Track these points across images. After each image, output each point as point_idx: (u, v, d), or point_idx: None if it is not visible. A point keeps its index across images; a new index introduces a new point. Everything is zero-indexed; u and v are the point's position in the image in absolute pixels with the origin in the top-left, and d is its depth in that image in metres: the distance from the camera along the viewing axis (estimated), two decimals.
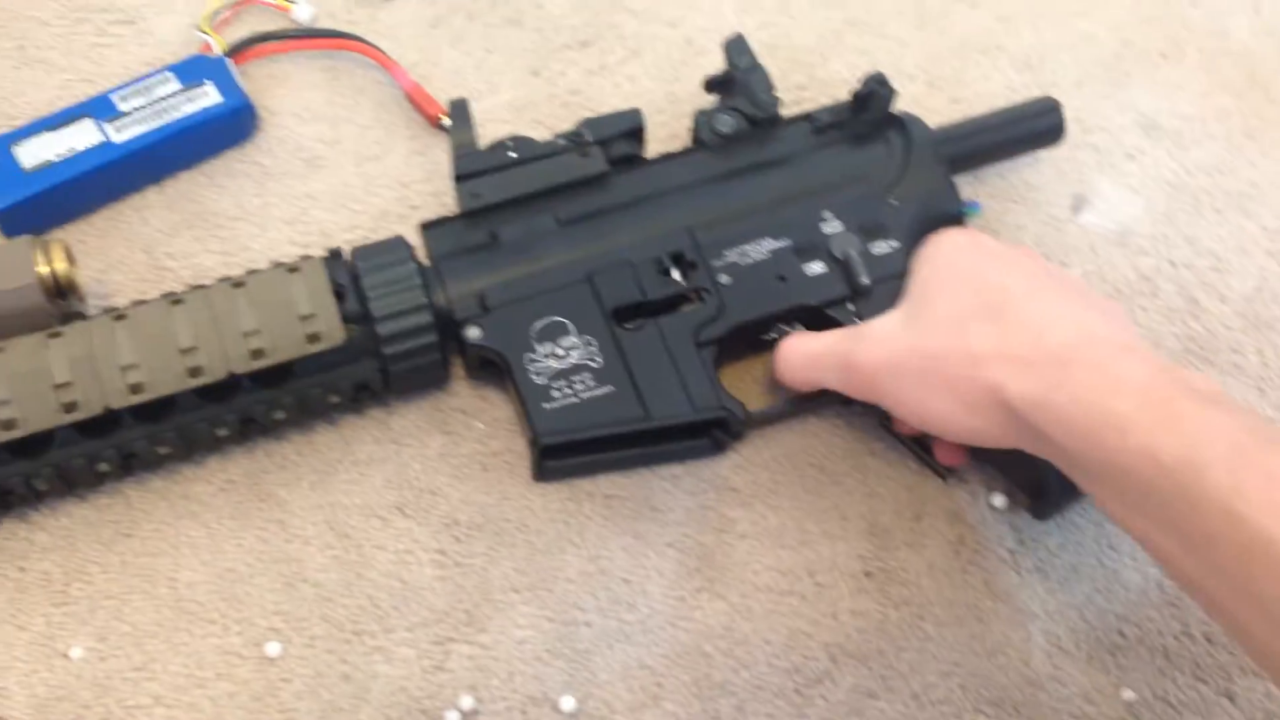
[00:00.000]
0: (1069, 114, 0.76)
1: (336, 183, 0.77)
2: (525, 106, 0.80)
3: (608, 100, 0.81)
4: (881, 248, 0.69)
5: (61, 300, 0.65)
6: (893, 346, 0.62)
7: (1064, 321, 0.58)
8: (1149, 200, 0.79)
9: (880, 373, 0.62)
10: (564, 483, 0.68)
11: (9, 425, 0.59)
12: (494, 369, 0.68)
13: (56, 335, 0.61)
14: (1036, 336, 0.57)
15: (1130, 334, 0.60)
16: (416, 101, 0.78)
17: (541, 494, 0.68)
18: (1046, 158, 0.79)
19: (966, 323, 0.59)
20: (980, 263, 0.63)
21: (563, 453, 0.67)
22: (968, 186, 0.76)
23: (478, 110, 0.76)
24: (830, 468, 0.69)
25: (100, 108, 0.73)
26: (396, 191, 0.77)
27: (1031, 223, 0.77)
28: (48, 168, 0.71)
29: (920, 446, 0.69)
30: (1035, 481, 0.65)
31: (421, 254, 0.69)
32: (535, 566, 0.66)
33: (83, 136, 0.72)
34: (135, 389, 0.60)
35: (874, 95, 0.71)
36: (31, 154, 0.71)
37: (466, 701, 0.63)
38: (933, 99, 0.81)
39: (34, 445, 0.61)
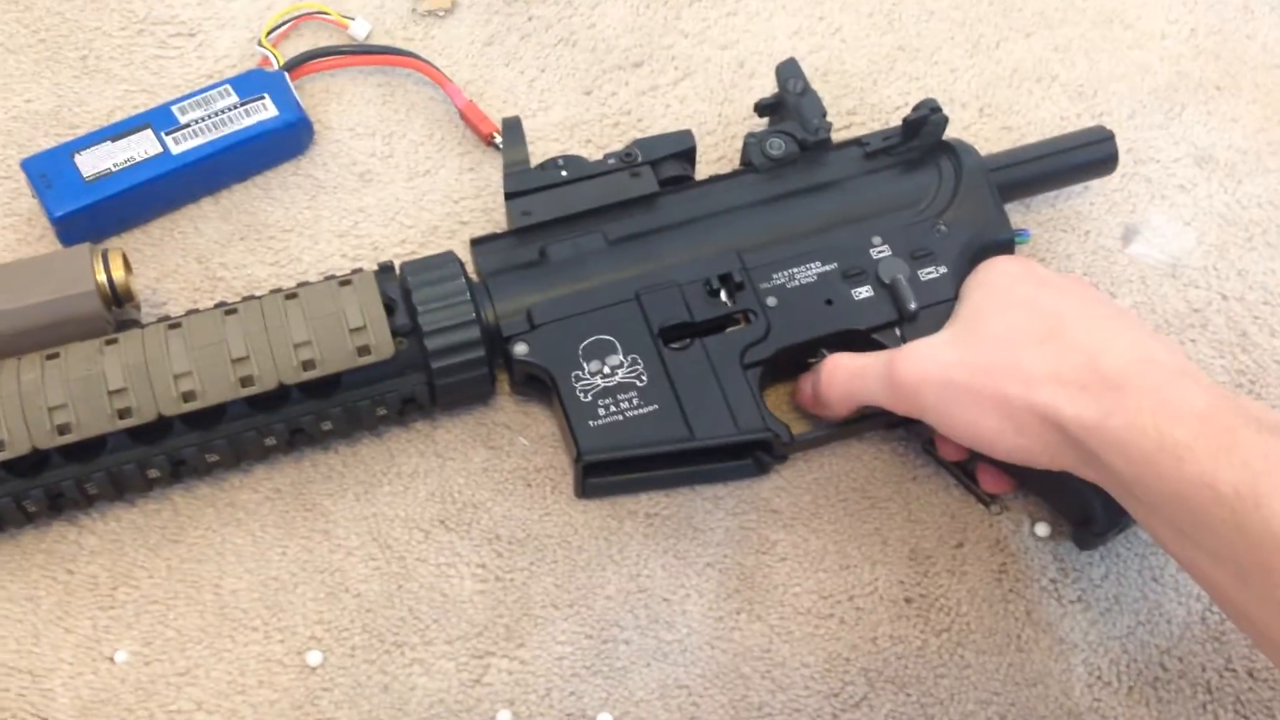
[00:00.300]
0: (1121, 144, 0.76)
1: (388, 197, 0.77)
2: (576, 125, 0.81)
3: (658, 120, 0.81)
4: (929, 273, 0.69)
5: (118, 307, 0.66)
6: (942, 361, 0.61)
7: (1120, 345, 0.57)
8: (1201, 232, 0.78)
9: (926, 386, 0.61)
10: (605, 500, 0.69)
11: (64, 429, 0.60)
12: (539, 385, 0.69)
13: (113, 342, 0.62)
14: (1092, 360, 0.57)
15: (1186, 360, 0.60)
16: (470, 119, 0.79)
17: (583, 510, 0.68)
18: (1097, 187, 0.79)
19: (1020, 344, 0.59)
20: (1034, 288, 0.62)
21: (606, 470, 0.67)
22: (1017, 214, 0.76)
23: (529, 128, 0.78)
24: (872, 492, 0.69)
25: (160, 119, 0.74)
26: (446, 207, 0.77)
27: (1081, 252, 0.77)
28: (107, 177, 0.72)
29: (965, 473, 0.69)
30: (1080, 510, 0.65)
31: (471, 270, 0.69)
32: (575, 583, 0.66)
33: (142, 147, 0.73)
34: (187, 397, 0.61)
35: (926, 121, 0.71)
36: (91, 163, 0.72)
37: (504, 716, 0.63)
38: (984, 126, 0.81)
39: (87, 449, 0.62)
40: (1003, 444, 0.59)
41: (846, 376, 0.65)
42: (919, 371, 0.61)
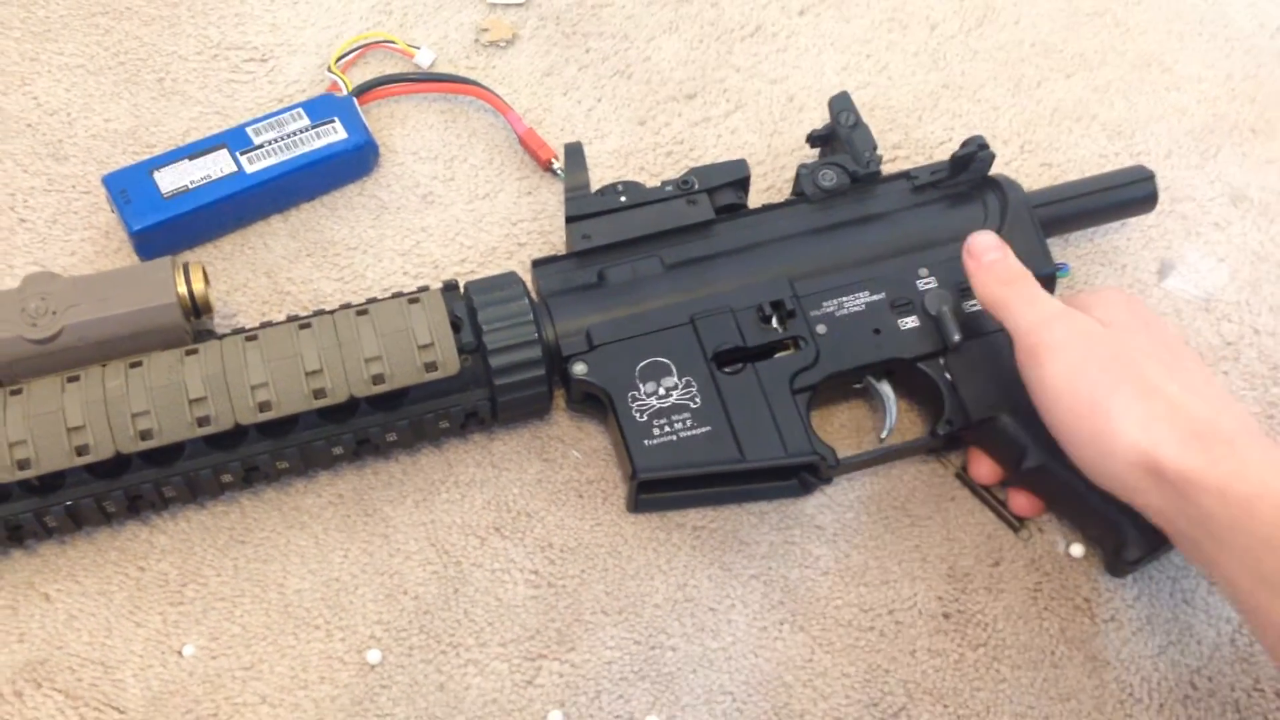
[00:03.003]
0: (1159, 183, 0.78)
1: (449, 218, 0.81)
2: (631, 154, 0.84)
3: (710, 150, 0.84)
4: (973, 305, 0.71)
5: (196, 319, 0.68)
6: (1090, 339, 0.62)
7: (1233, 416, 0.60)
8: (1234, 269, 0.80)
9: (1066, 345, 0.62)
10: (654, 513, 0.71)
11: (146, 435, 0.63)
12: (594, 402, 0.71)
13: (193, 352, 0.65)
14: (1210, 419, 0.59)
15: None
16: (529, 146, 0.82)
17: (633, 522, 0.71)
18: (1134, 224, 0.81)
19: (1147, 363, 0.61)
20: (1158, 326, 0.65)
21: (658, 487, 0.70)
22: (1057, 248, 0.79)
23: (585, 155, 0.80)
24: (913, 511, 0.72)
25: (236, 139, 0.77)
26: (505, 229, 0.80)
27: (1118, 285, 0.79)
28: (184, 193, 0.75)
29: (994, 497, 0.71)
30: (1113, 538, 0.67)
31: (531, 290, 0.72)
32: (625, 591, 0.69)
33: (218, 165, 0.76)
34: (263, 407, 0.64)
35: (973, 157, 0.73)
36: (170, 180, 0.76)
37: (555, 716, 0.65)
38: (1025, 163, 0.84)
39: (166, 454, 0.65)
40: (1077, 435, 0.61)
41: (1002, 282, 0.66)
42: (1072, 332, 0.62)
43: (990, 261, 0.67)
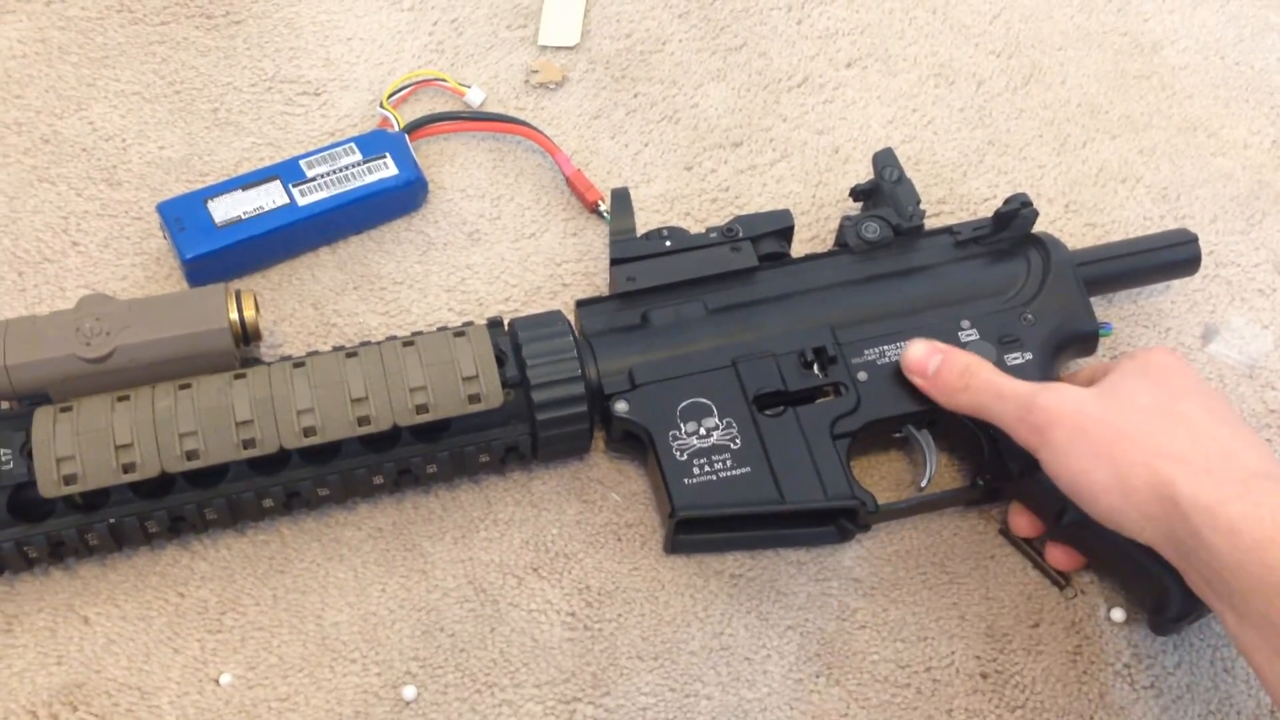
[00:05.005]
0: (1203, 247, 0.78)
1: (494, 256, 0.81)
2: (676, 199, 0.84)
3: (755, 199, 0.85)
4: (1015, 359, 0.72)
5: (245, 345, 0.69)
6: (1083, 408, 0.63)
7: (1252, 452, 0.60)
8: (1279, 336, 0.80)
9: (1058, 424, 0.63)
10: (692, 558, 0.71)
11: (192, 455, 0.63)
12: (634, 443, 0.71)
13: (241, 376, 0.66)
14: (1224, 455, 0.59)
15: None
16: (576, 187, 0.82)
17: (671, 567, 0.71)
18: (1179, 286, 0.81)
19: (1160, 419, 0.61)
20: (1186, 381, 0.65)
21: (696, 528, 0.70)
22: (1100, 308, 0.79)
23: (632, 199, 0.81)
24: (951, 568, 0.71)
25: (289, 171, 0.78)
26: (549, 269, 0.81)
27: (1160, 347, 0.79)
28: (237, 223, 0.76)
29: (1036, 551, 0.71)
30: (1156, 595, 0.67)
31: (575, 329, 0.72)
32: (661, 637, 0.69)
33: (270, 197, 0.77)
34: (308, 432, 0.64)
35: (1017, 215, 0.74)
36: (223, 210, 0.76)
37: None
38: (1069, 222, 0.84)
39: (210, 476, 0.66)
40: (1105, 501, 0.61)
41: (984, 385, 0.67)
42: (1058, 410, 0.63)
43: (936, 372, 0.69)
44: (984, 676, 0.68)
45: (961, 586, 0.71)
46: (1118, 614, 0.70)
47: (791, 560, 0.71)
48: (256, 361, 0.70)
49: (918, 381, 0.70)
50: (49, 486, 0.62)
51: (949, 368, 0.69)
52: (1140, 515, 0.60)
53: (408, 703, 0.66)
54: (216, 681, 0.66)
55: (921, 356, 0.70)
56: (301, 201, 0.77)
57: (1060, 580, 0.71)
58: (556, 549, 0.71)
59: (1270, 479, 0.58)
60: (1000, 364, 0.71)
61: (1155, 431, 0.61)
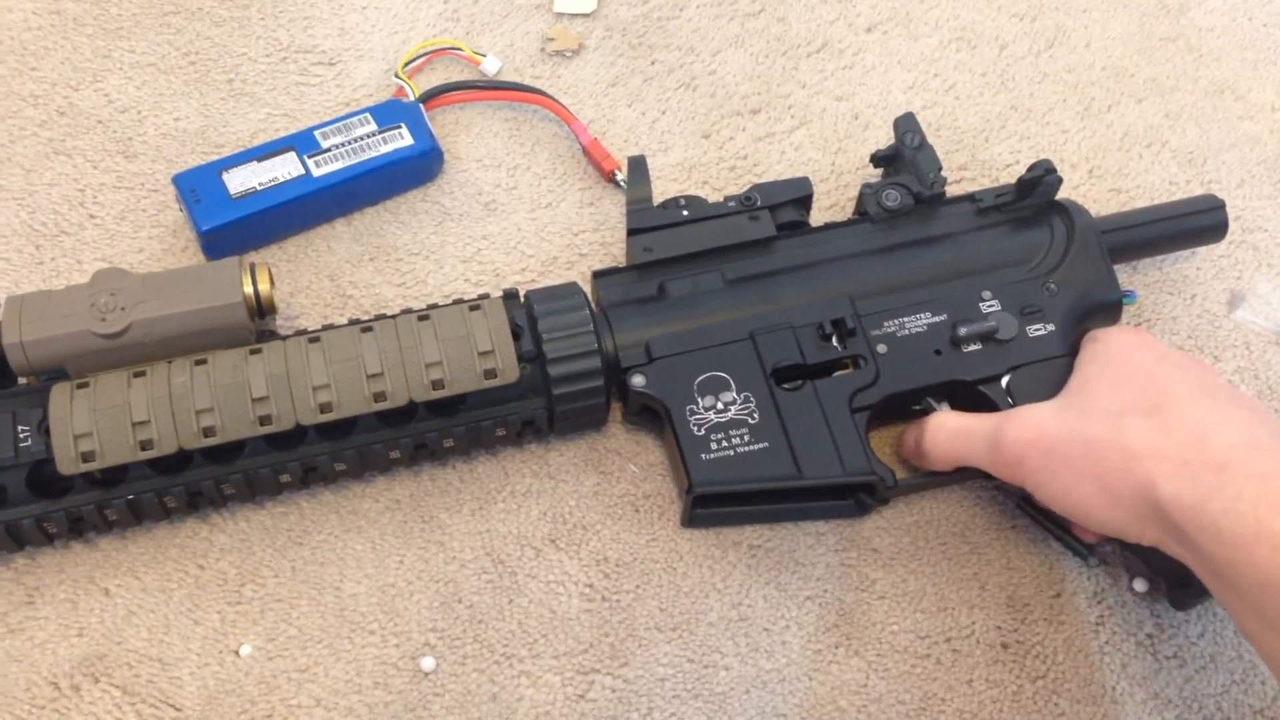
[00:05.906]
0: (1230, 212, 0.77)
1: (510, 227, 0.81)
2: (694, 167, 0.83)
3: (773, 166, 0.84)
4: (1037, 330, 0.71)
5: (260, 319, 0.69)
6: (1046, 429, 0.63)
7: (1229, 426, 0.58)
8: None
9: (1029, 452, 0.63)
10: (710, 530, 0.71)
11: (209, 432, 0.63)
12: (651, 416, 0.71)
13: (256, 352, 0.66)
14: (1198, 440, 0.57)
15: None
16: (593, 156, 0.82)
17: (689, 538, 0.70)
18: (1204, 253, 0.80)
19: (1126, 417, 0.60)
20: (1149, 362, 0.63)
21: (714, 502, 0.69)
22: (1124, 275, 0.78)
23: (649, 167, 0.80)
24: (972, 538, 0.71)
25: (304, 142, 0.78)
26: (566, 239, 0.80)
27: (1186, 316, 0.78)
28: (252, 195, 0.76)
29: (1059, 525, 0.70)
30: (1177, 570, 0.66)
31: (591, 301, 0.72)
32: (679, 608, 0.69)
33: (286, 168, 0.77)
34: (324, 408, 0.64)
35: (1040, 182, 0.73)
36: (238, 181, 0.76)
37: None
38: (1093, 188, 0.83)
39: (227, 452, 0.66)
40: (1097, 514, 0.61)
41: (951, 436, 0.67)
42: (1024, 437, 0.63)
43: (916, 446, 0.69)
44: (1005, 647, 0.68)
45: (982, 556, 0.70)
46: (1140, 584, 0.69)
47: (810, 531, 0.71)
48: (273, 335, 0.70)
49: (921, 465, 0.70)
50: (67, 463, 0.62)
51: (919, 442, 0.69)
52: (1135, 520, 0.59)
53: (426, 674, 0.67)
54: (237, 653, 0.67)
55: (908, 441, 0.70)
56: (317, 172, 0.77)
57: (1083, 550, 0.70)
58: (574, 520, 0.71)
59: (1254, 450, 0.56)
60: (1022, 336, 0.70)
61: (1125, 431, 0.60)
